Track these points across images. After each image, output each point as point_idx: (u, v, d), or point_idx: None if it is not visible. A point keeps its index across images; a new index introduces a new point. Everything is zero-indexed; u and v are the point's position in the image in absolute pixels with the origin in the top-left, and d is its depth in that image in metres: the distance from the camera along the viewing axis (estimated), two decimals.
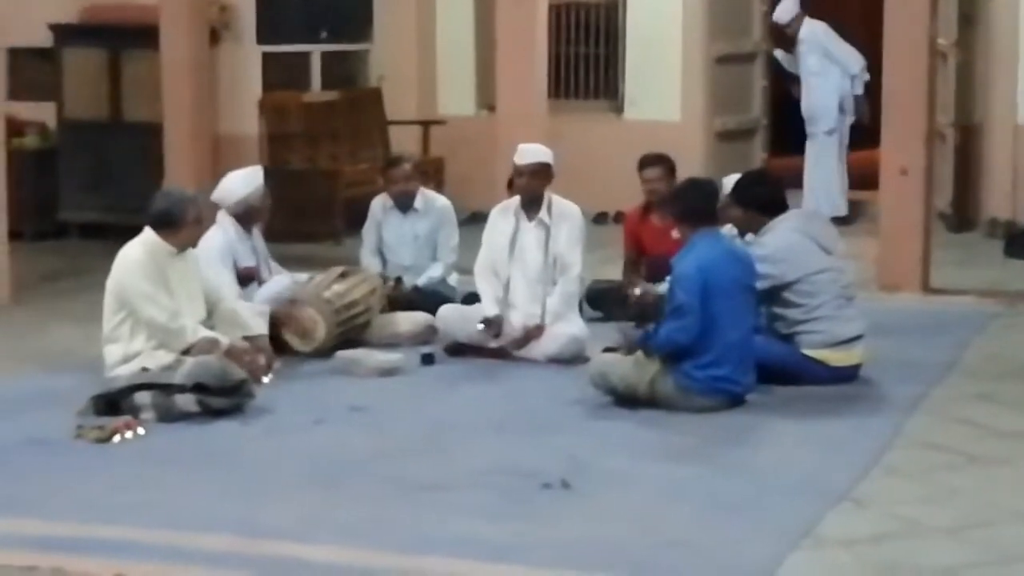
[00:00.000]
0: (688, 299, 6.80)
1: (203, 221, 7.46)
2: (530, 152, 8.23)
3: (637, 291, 8.29)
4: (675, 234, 7.52)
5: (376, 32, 13.39)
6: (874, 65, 9.96)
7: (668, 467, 6.12)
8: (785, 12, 12.58)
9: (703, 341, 6.81)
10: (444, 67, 13.64)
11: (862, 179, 12.28)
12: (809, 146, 12.52)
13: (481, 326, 7.98)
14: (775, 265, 7.29)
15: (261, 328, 7.66)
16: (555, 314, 8.03)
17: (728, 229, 8.02)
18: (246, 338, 7.49)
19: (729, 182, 8.24)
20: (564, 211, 8.20)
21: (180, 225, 7.31)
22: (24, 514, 5.62)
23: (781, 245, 7.35)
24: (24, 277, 10.17)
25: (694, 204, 7.03)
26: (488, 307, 8.05)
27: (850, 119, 12.49)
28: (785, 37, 12.72)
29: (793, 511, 5.53)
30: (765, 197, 7.55)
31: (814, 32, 12.49)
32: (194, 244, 7.48)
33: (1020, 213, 11.86)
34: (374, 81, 13.31)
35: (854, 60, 12.44)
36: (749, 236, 7.97)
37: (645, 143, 9.61)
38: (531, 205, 8.19)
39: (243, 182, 8.27)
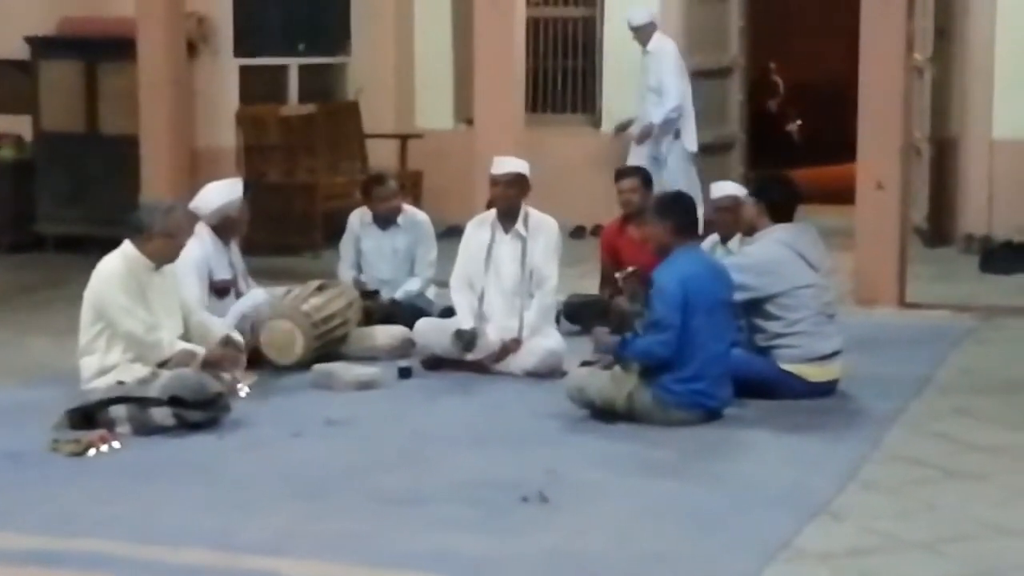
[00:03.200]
0: (668, 313, 6.80)
1: (175, 234, 7.30)
2: (505, 163, 8.27)
3: (627, 270, 8.04)
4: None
5: (354, 45, 13.40)
6: (851, 79, 9.99)
7: (646, 481, 6.12)
8: (637, 16, 11.99)
9: (683, 355, 6.82)
10: (422, 80, 13.67)
11: (838, 194, 12.32)
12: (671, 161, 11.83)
13: (454, 338, 7.96)
14: (758, 277, 7.30)
15: (234, 335, 7.62)
16: (532, 328, 8.03)
17: (710, 240, 8.05)
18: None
19: (717, 188, 8.25)
20: (540, 224, 8.21)
21: (148, 234, 7.22)
22: None
23: (766, 257, 7.36)
24: None
25: (681, 218, 7.03)
26: (464, 320, 8.05)
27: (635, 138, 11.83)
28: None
29: (770, 525, 5.53)
30: (780, 199, 7.55)
31: (661, 48, 11.91)
32: (170, 258, 7.37)
33: (996, 228, 11.91)
34: (352, 94, 13.31)
35: (674, 96, 11.74)
36: (732, 244, 7.99)
37: (623, 157, 9.62)
38: (507, 217, 8.19)
39: (221, 193, 8.24)
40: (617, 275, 7.76)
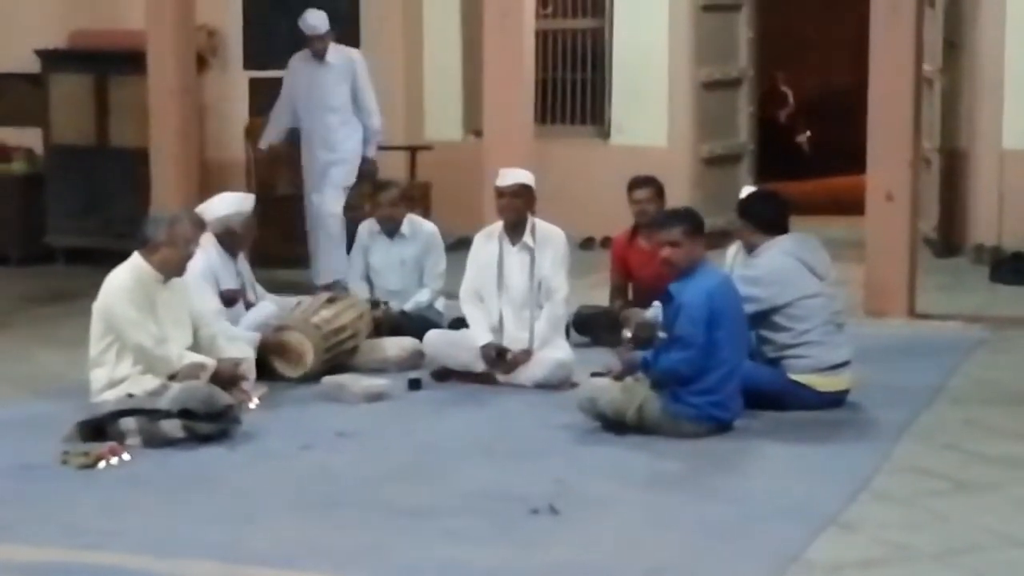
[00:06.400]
0: (693, 330, 6.78)
1: (179, 244, 7.28)
2: (511, 175, 8.27)
3: (628, 333, 8.02)
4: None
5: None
6: (860, 90, 9.99)
7: (656, 493, 6.12)
8: (320, 21, 10.66)
9: (703, 368, 6.81)
10: (431, 92, 13.68)
11: (848, 205, 12.32)
12: (317, 199, 10.70)
13: (491, 354, 7.95)
14: (765, 288, 7.30)
15: (242, 354, 7.62)
16: (542, 339, 8.03)
17: (733, 247, 8.02)
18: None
19: (744, 192, 8.23)
20: (548, 235, 8.21)
21: (154, 244, 7.22)
22: (9, 540, 5.59)
23: (772, 268, 7.37)
24: (10, 302, 10.16)
25: (702, 231, 7.02)
26: (480, 335, 8.04)
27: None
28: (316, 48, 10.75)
29: (781, 536, 5.53)
30: (769, 216, 7.56)
31: (350, 59, 10.79)
32: (178, 270, 7.36)
33: (1006, 238, 11.89)
34: None
35: (378, 114, 10.85)
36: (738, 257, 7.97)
37: (632, 168, 9.62)
38: (515, 229, 8.19)
39: (229, 203, 8.27)
40: (624, 341, 7.72)
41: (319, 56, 10.68)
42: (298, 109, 10.82)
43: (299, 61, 10.86)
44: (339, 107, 10.71)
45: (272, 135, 10.98)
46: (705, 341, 6.77)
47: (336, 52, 10.72)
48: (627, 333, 7.94)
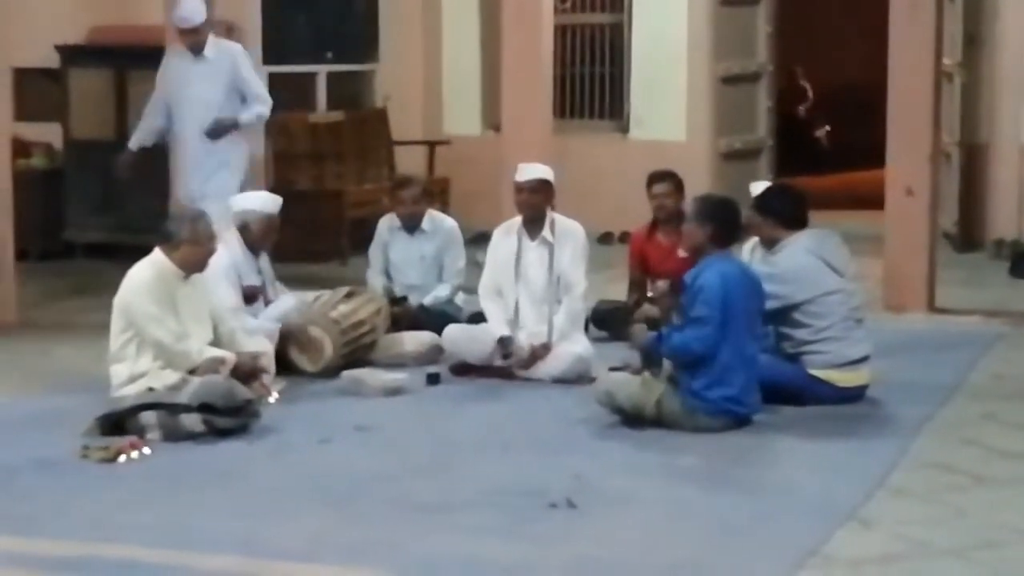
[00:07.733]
0: (709, 311, 6.79)
1: (201, 242, 7.29)
2: (529, 170, 8.27)
3: (661, 283, 8.03)
4: (681, 253, 7.54)
5: (382, 52, 13.43)
6: (880, 84, 9.97)
7: (674, 487, 6.12)
8: (196, 12, 9.61)
9: (714, 359, 6.81)
10: (450, 87, 13.69)
11: (867, 199, 12.29)
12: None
13: (498, 346, 7.97)
14: (785, 285, 7.29)
15: (261, 348, 7.64)
16: (561, 333, 8.03)
17: (751, 244, 8.01)
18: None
19: (757, 188, 8.23)
20: (567, 230, 8.21)
21: (176, 242, 7.25)
22: (30, 533, 5.61)
23: (792, 265, 7.36)
24: (30, 297, 10.18)
25: (721, 226, 7.01)
26: (497, 328, 8.05)
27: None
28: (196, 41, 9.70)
29: (800, 531, 5.52)
30: (787, 210, 7.55)
31: (231, 51, 9.81)
32: (198, 267, 7.37)
33: None
34: (380, 101, 13.34)
35: (266, 100, 9.84)
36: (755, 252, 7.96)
37: (650, 163, 9.63)
38: (533, 224, 8.20)
39: (254, 200, 8.32)
40: (651, 293, 7.78)
41: (195, 51, 9.69)
42: (171, 108, 9.84)
43: (173, 56, 9.92)
44: (216, 105, 9.67)
45: (143, 137, 9.98)
46: (719, 323, 6.77)
47: (214, 47, 9.73)
48: (661, 284, 7.87)
